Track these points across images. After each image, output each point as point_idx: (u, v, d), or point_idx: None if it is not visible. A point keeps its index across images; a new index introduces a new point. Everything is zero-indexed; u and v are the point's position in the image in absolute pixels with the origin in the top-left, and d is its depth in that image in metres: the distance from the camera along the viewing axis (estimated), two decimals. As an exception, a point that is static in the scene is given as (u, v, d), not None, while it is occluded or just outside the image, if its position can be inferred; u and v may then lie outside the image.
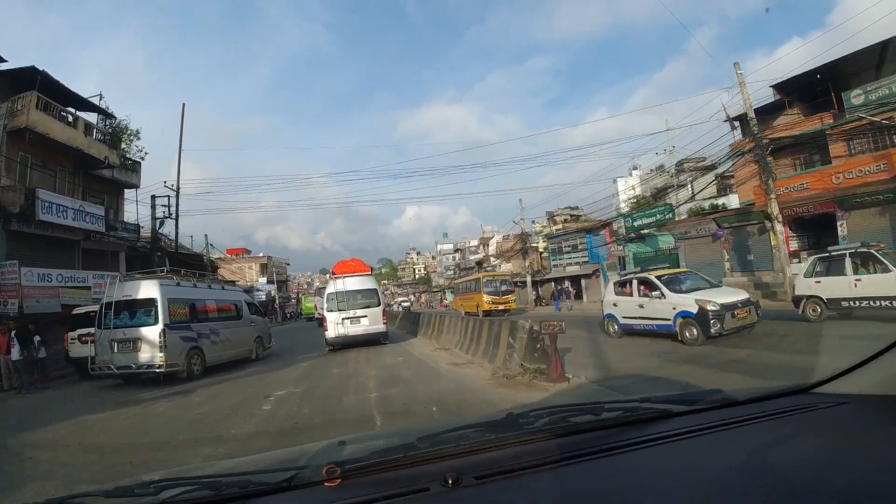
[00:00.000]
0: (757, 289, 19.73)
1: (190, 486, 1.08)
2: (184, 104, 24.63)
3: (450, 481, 0.99)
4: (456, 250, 62.57)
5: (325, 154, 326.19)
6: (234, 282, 33.77)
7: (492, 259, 49.01)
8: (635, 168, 41.65)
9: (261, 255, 62.44)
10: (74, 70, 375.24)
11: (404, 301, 57.08)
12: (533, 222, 47.48)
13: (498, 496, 1.00)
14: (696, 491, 0.96)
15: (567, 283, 29.94)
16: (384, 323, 13.58)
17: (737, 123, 20.30)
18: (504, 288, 26.11)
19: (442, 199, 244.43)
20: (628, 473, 1.08)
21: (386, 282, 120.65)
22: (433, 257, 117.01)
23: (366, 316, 13.26)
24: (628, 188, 38.94)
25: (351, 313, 13.21)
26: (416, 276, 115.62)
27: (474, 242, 58.67)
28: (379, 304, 13.65)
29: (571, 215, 49.55)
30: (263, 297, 55.92)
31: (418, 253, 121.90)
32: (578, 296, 30.04)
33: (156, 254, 20.02)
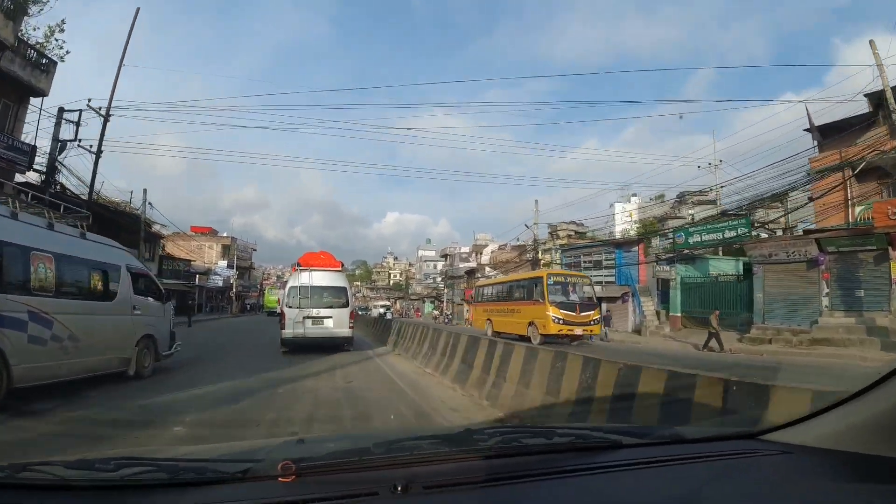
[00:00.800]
0: (870, 334, 15.01)
1: (148, 467, 1.09)
2: (138, 9, 18.52)
3: (399, 488, 1.01)
4: (443, 256, 57.01)
5: (312, 146, 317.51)
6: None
7: (487, 269, 43.61)
8: (634, 195, 41.85)
9: (224, 234, 55.22)
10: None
11: (382, 306, 50.77)
12: (534, 234, 42.64)
13: None
14: None
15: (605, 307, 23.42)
16: (350, 327, 11.97)
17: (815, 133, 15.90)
18: (584, 297, 16.80)
19: (425, 205, 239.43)
20: (575, 497, 1.10)
21: (359, 283, 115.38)
22: (410, 264, 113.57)
23: (330, 317, 11.66)
24: (625, 213, 38.33)
25: (314, 312, 11.54)
26: (391, 282, 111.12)
27: (465, 249, 53.35)
28: (347, 305, 12.00)
29: (577, 231, 44.97)
30: (220, 283, 48.78)
31: (395, 258, 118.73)
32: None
33: (52, 187, 13.62)
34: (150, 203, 25.28)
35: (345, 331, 11.73)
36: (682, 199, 34.69)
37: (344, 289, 12.30)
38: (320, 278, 11.94)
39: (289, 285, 12.16)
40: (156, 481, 1.05)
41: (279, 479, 1.05)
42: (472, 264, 49.89)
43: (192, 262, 48.37)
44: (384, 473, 1.10)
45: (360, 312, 30.35)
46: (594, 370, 4.44)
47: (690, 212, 32.30)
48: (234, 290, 47.33)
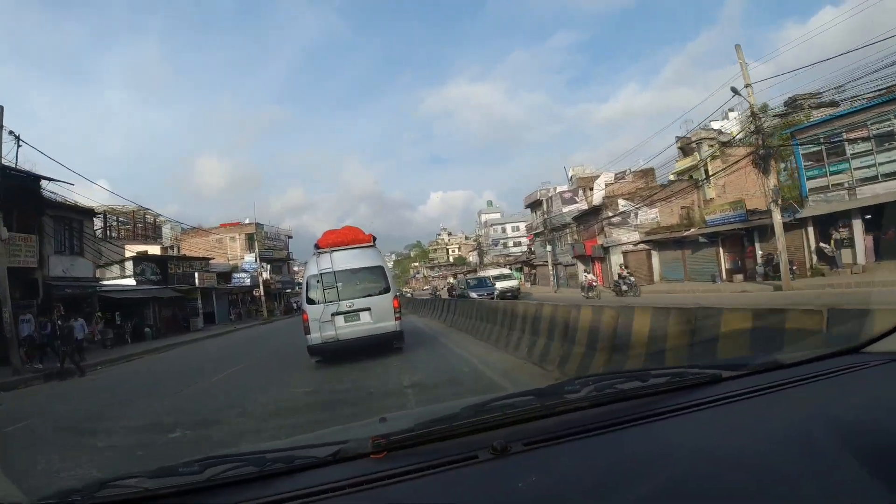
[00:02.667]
0: None
1: (234, 464, 1.04)
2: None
3: (498, 448, 0.99)
4: (532, 205, 42.02)
5: (349, 139, 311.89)
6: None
7: (620, 203, 28.57)
8: (731, 110, 29.94)
9: (246, 221, 43.30)
10: (99, 68, 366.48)
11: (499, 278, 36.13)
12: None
13: (548, 462, 0.99)
14: (749, 451, 0.95)
15: None
16: (397, 318, 8.53)
17: None
18: None
19: (468, 180, 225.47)
20: (679, 437, 1.07)
21: (417, 264, 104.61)
22: (467, 237, 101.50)
23: (368, 308, 8.33)
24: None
25: (345, 304, 8.26)
26: (451, 257, 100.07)
27: (562, 188, 38.21)
28: (388, 290, 8.55)
29: (718, 140, 28.78)
30: (248, 281, 36.89)
31: (450, 233, 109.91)
32: None
33: None
34: (13, 135, 12.15)
35: (390, 324, 8.43)
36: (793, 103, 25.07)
37: (380, 268, 8.75)
38: (347, 259, 8.45)
39: (307, 274, 8.91)
40: (244, 476, 1.01)
41: (371, 455, 1.03)
42: (580, 205, 34.83)
43: (212, 260, 37.07)
44: (477, 438, 1.07)
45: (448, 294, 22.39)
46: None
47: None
48: (262, 287, 35.04)
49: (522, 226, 76.32)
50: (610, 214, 28.42)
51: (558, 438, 1.04)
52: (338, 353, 8.19)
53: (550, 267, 34.09)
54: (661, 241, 27.08)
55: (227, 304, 33.98)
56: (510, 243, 72.10)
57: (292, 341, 11.36)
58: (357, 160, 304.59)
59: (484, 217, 77.33)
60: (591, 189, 36.51)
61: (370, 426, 1.34)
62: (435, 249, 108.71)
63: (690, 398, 1.19)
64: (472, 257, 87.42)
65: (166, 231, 42.87)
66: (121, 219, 35.72)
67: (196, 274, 28.07)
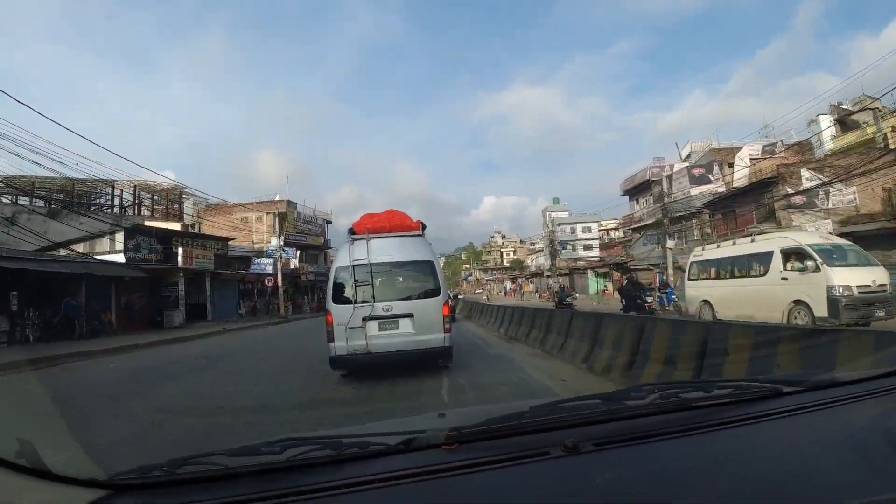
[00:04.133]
0: None
1: (313, 446, 1.07)
2: None
3: (570, 446, 1.00)
4: (635, 189, 32.07)
5: (403, 140, 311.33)
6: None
7: (804, 177, 18.62)
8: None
9: (276, 197, 36.47)
10: (161, 62, 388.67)
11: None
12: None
13: (618, 462, 1.00)
14: (808, 463, 0.97)
15: None
16: (446, 329, 6.53)
17: None
18: None
19: (521, 187, 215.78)
20: (740, 447, 1.08)
21: (468, 266, 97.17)
22: (522, 241, 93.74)
23: (410, 314, 6.46)
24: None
25: (381, 308, 6.40)
26: (505, 261, 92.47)
27: (677, 166, 28.17)
28: (437, 293, 6.61)
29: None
30: (268, 269, 29.74)
31: (503, 236, 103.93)
32: None
33: None
34: None
35: (436, 336, 6.42)
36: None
37: (429, 264, 6.74)
38: (388, 250, 6.59)
39: (335, 265, 6.83)
40: (322, 459, 1.03)
41: (443, 446, 1.05)
42: (713, 185, 24.84)
43: (231, 241, 30.41)
44: (545, 436, 1.08)
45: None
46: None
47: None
48: (280, 274, 27.56)
49: (594, 227, 66.55)
50: (789, 192, 18.44)
51: (626, 441, 1.06)
52: (369, 366, 6.34)
53: (671, 270, 24.27)
54: (868, 233, 16.85)
55: (235, 295, 26.81)
56: (580, 246, 62.32)
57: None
58: (410, 162, 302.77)
59: (552, 215, 67.54)
60: (730, 165, 26.36)
61: (431, 420, 1.36)
62: (489, 252, 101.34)
63: (751, 410, 1.22)
64: (531, 261, 78.86)
65: (188, 207, 36.95)
66: (154, 196, 31.28)
67: (180, 250, 20.66)
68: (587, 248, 60.61)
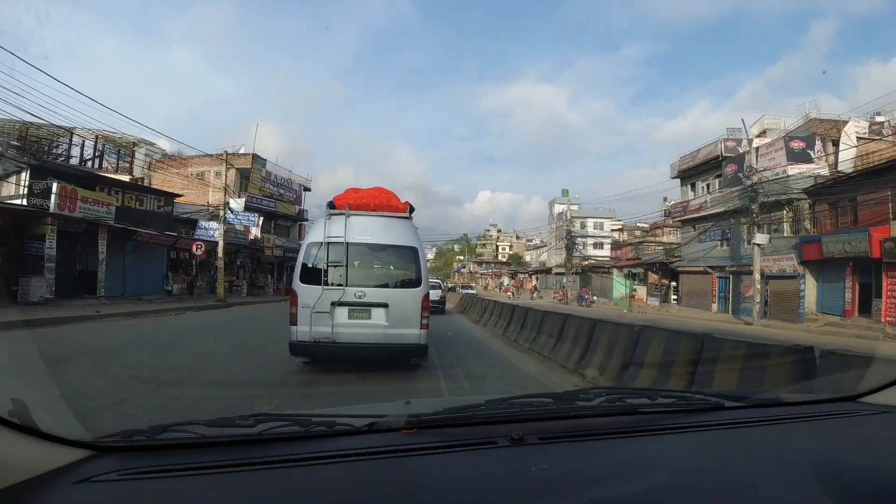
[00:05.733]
0: None
1: (284, 422, 1.13)
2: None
3: (515, 438, 1.06)
4: (694, 170, 25.34)
5: (402, 125, 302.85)
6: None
7: None
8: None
9: (241, 150, 29.24)
10: (162, 27, 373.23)
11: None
12: None
13: (558, 455, 1.08)
14: (739, 474, 1.00)
15: None
16: (423, 325, 5.93)
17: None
18: None
19: (517, 183, 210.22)
20: (676, 452, 1.12)
21: (462, 258, 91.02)
22: (518, 236, 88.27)
23: (384, 305, 5.88)
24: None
25: (353, 293, 5.82)
26: (500, 255, 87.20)
27: (761, 141, 21.89)
28: (417, 283, 6.03)
29: None
30: (215, 236, 22.74)
31: (499, 230, 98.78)
32: None
33: None
34: None
35: (411, 332, 5.88)
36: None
37: (412, 251, 6.11)
38: (368, 229, 5.99)
39: (307, 241, 6.24)
40: (291, 434, 1.08)
41: (403, 430, 1.11)
42: (813, 166, 18.55)
43: (179, 199, 23.48)
44: (496, 428, 1.13)
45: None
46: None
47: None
48: (223, 244, 20.56)
49: (607, 224, 60.58)
50: None
51: (568, 437, 1.14)
52: (332, 357, 5.91)
53: (757, 276, 17.85)
54: None
55: (162, 266, 19.78)
56: (589, 242, 56.52)
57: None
58: (408, 148, 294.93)
59: (559, 208, 61.22)
60: (834, 143, 20.04)
61: (396, 406, 1.44)
62: (484, 245, 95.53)
63: (691, 420, 1.27)
64: (530, 256, 73.01)
65: (140, 156, 29.74)
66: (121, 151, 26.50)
67: (54, 187, 13.26)
68: (597, 245, 55.06)
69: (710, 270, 22.97)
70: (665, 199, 56.51)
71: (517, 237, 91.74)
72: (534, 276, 57.62)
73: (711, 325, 15.73)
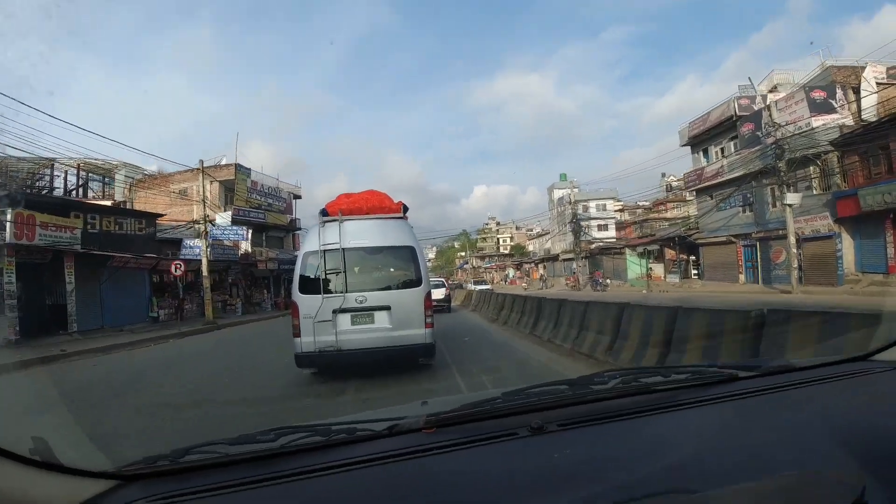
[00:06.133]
0: None
1: (304, 433, 1.14)
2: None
3: (535, 427, 1.08)
4: (706, 133, 23.65)
5: (395, 129, 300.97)
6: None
7: None
8: None
9: (223, 161, 27.73)
10: (146, 55, 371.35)
11: None
12: None
13: (579, 440, 1.10)
14: (755, 441, 1.02)
15: None
16: (427, 325, 5.90)
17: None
18: None
19: (513, 176, 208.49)
20: (693, 426, 1.15)
21: (463, 253, 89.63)
22: (518, 227, 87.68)
23: (387, 307, 5.86)
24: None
25: (354, 299, 5.82)
26: (502, 248, 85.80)
27: (774, 96, 20.31)
28: (418, 283, 6.00)
29: None
30: (198, 254, 21.13)
31: (498, 223, 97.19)
32: None
33: None
34: None
35: (416, 332, 5.85)
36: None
37: (409, 250, 6.11)
38: (363, 233, 6.01)
39: (302, 250, 6.21)
40: (312, 444, 1.09)
41: (423, 430, 1.12)
42: (837, 116, 17.00)
43: (161, 220, 21.98)
44: (516, 419, 1.15)
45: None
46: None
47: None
48: (206, 261, 19.08)
49: (610, 205, 59.02)
50: None
51: (588, 422, 1.15)
52: (339, 364, 5.85)
53: (792, 240, 16.35)
54: None
55: (145, 292, 18.26)
56: (593, 225, 55.01)
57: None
58: (402, 151, 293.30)
59: (559, 192, 59.62)
60: (855, 91, 18.53)
61: (414, 407, 1.43)
62: (484, 238, 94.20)
63: (707, 393, 1.28)
64: (532, 245, 71.63)
65: (120, 179, 28.24)
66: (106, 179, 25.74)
67: (9, 215, 11.46)
68: (601, 228, 53.65)
69: (733, 239, 21.46)
70: (664, 175, 55.09)
71: (517, 228, 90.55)
72: (540, 265, 56.11)
73: (749, 298, 14.27)
